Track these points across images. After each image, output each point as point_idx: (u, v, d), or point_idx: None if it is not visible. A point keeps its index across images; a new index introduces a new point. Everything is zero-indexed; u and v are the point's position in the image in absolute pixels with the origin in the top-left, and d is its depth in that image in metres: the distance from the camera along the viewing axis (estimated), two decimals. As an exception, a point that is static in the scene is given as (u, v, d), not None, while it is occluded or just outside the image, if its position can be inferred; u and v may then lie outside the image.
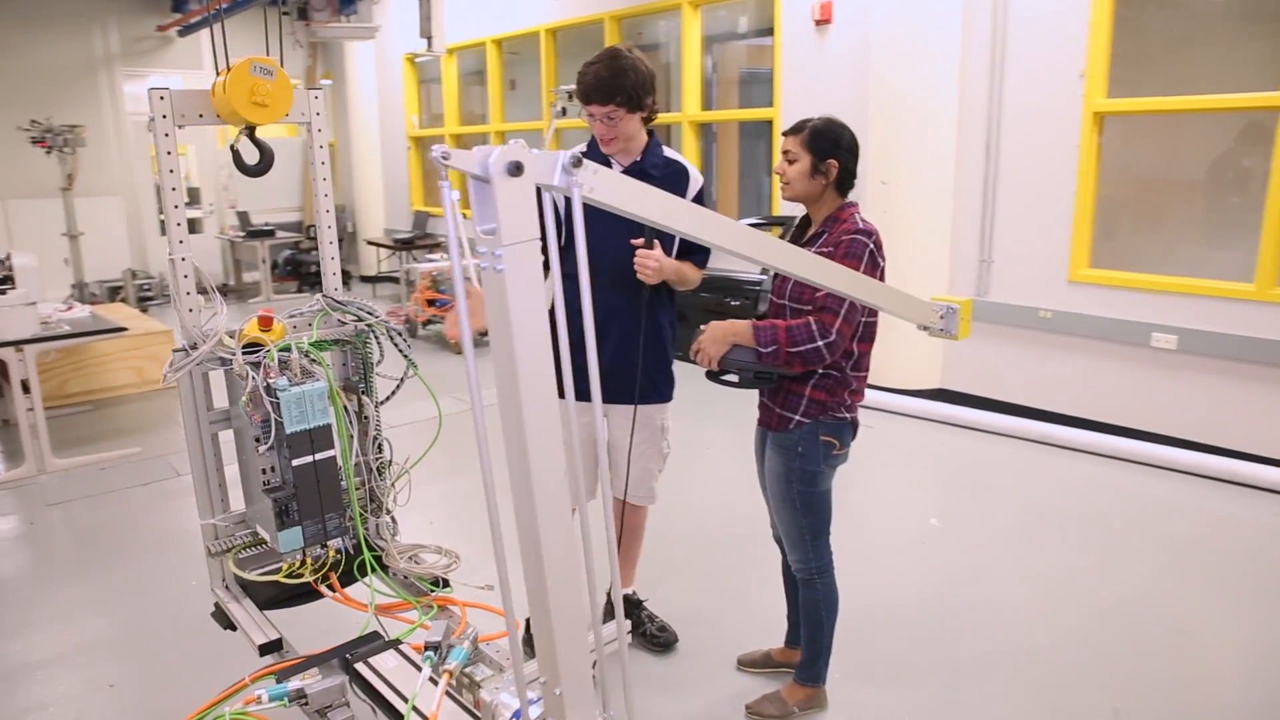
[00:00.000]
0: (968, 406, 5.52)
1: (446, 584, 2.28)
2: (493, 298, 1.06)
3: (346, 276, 11.44)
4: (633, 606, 3.14)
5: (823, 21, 6.19)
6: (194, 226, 11.56)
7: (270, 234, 10.46)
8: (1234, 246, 4.75)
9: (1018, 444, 5.09)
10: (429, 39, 6.76)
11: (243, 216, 10.75)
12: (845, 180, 2.38)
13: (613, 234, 2.53)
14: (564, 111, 6.43)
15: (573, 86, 2.83)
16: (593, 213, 2.55)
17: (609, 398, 2.72)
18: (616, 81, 2.50)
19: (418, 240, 9.60)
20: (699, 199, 2.73)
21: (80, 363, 5.90)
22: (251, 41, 11.15)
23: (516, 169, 1.00)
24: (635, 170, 2.63)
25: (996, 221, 5.46)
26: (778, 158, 2.46)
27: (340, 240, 12.04)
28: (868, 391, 5.74)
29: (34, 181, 9.09)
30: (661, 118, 7.94)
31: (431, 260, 8.41)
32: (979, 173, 5.48)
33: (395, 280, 10.36)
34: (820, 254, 2.29)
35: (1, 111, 9.27)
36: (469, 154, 0.99)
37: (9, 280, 4.62)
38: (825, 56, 6.25)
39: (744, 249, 1.34)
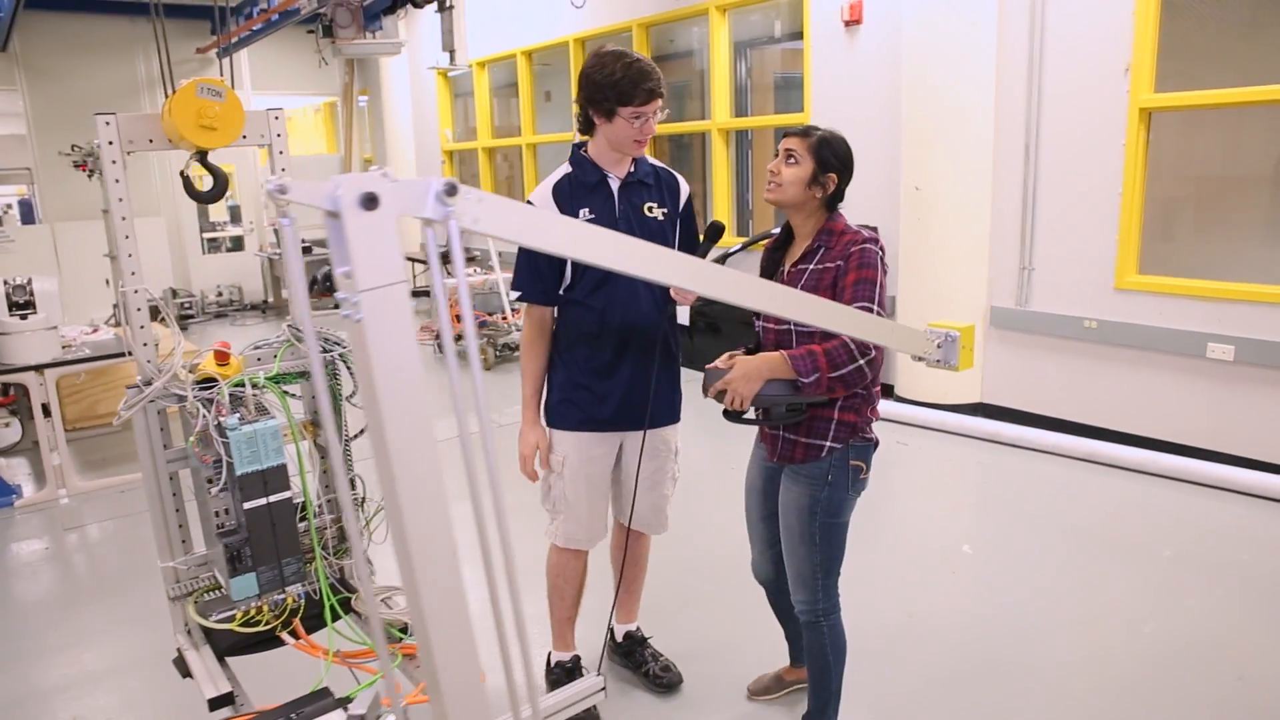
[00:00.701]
0: (1008, 422, 5.24)
1: (417, 630, 2.13)
2: (356, 349, 0.91)
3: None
4: (636, 644, 2.98)
5: (852, 22, 5.97)
6: (235, 244, 11.74)
7: (308, 250, 10.53)
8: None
9: (1061, 462, 4.80)
10: (451, 53, 6.70)
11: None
12: (836, 199, 2.24)
13: None
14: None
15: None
16: (605, 223, 2.45)
17: (628, 424, 2.57)
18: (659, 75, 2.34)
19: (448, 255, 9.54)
20: (689, 206, 2.61)
21: (109, 384, 5.94)
22: (288, 60, 11.36)
23: (370, 201, 0.85)
24: (634, 181, 2.48)
25: (1037, 227, 5.17)
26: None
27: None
28: (901, 406, 5.50)
29: (78, 205, 9.29)
30: (690, 125, 7.82)
31: (466, 275, 8.33)
32: (1018, 175, 5.20)
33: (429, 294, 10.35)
34: (824, 269, 2.16)
35: (48, 137, 9.51)
36: (314, 186, 0.85)
37: (31, 305, 4.64)
38: (856, 58, 6.03)
39: (683, 281, 1.18)
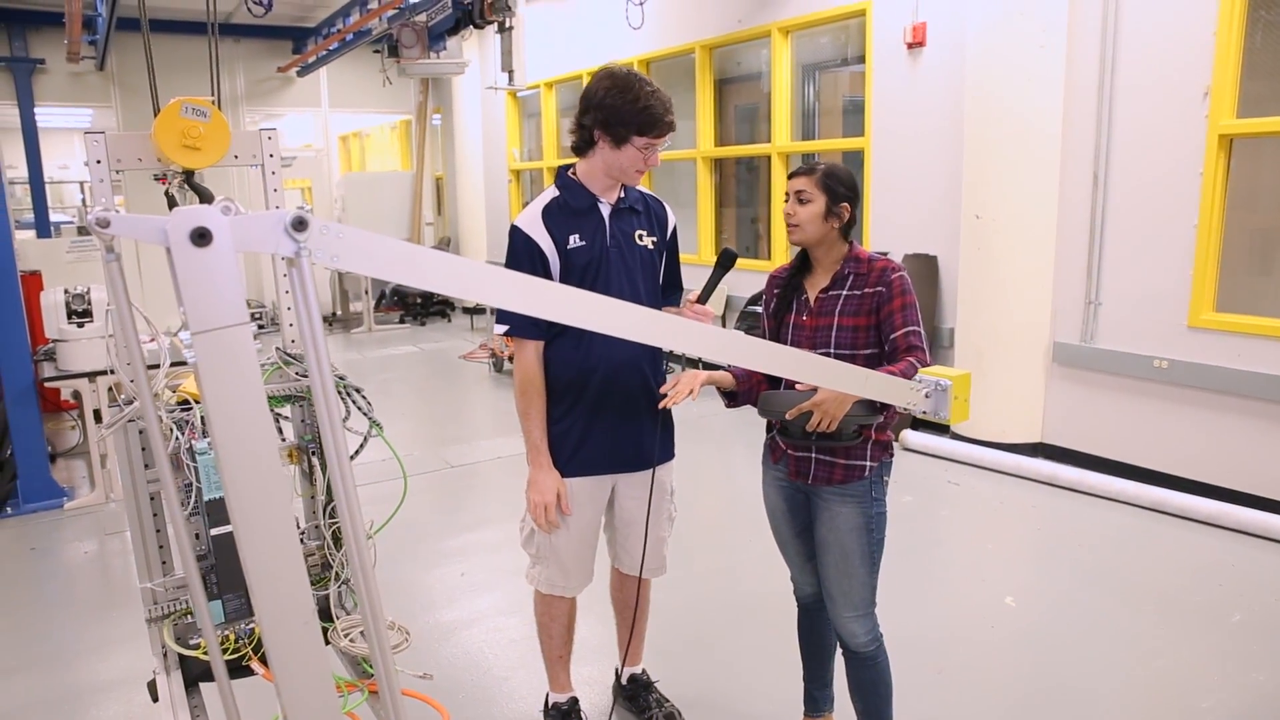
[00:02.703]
0: (1069, 464, 4.93)
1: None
2: (200, 391, 0.84)
3: (450, 308, 11.77)
4: (641, 689, 2.85)
5: (915, 44, 5.79)
6: (309, 257, 12.05)
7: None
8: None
9: (1124, 510, 4.48)
10: (510, 73, 6.74)
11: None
12: (850, 226, 2.24)
13: (618, 281, 2.30)
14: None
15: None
16: (595, 255, 2.36)
17: (620, 467, 2.47)
18: None
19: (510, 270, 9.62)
20: (674, 236, 2.51)
21: (167, 391, 6.11)
22: (364, 79, 11.66)
23: (200, 237, 0.78)
24: (624, 208, 2.38)
25: (1105, 259, 4.88)
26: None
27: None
28: (955, 444, 5.36)
29: (160, 215, 9.69)
30: (751, 149, 7.70)
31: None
32: (1085, 204, 4.92)
33: (487, 311, 10.45)
34: (863, 294, 2.20)
35: (136, 151, 9.95)
36: (141, 219, 0.78)
37: (88, 313, 4.79)
38: (918, 81, 5.84)
39: (580, 320, 1.07)
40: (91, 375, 4.69)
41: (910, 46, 5.80)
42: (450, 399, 7.66)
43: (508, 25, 6.64)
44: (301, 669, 0.89)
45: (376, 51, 7.88)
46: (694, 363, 7.27)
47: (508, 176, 11.19)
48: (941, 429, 5.63)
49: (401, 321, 11.12)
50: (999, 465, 5.10)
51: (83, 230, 10.04)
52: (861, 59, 6.34)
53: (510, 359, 8.19)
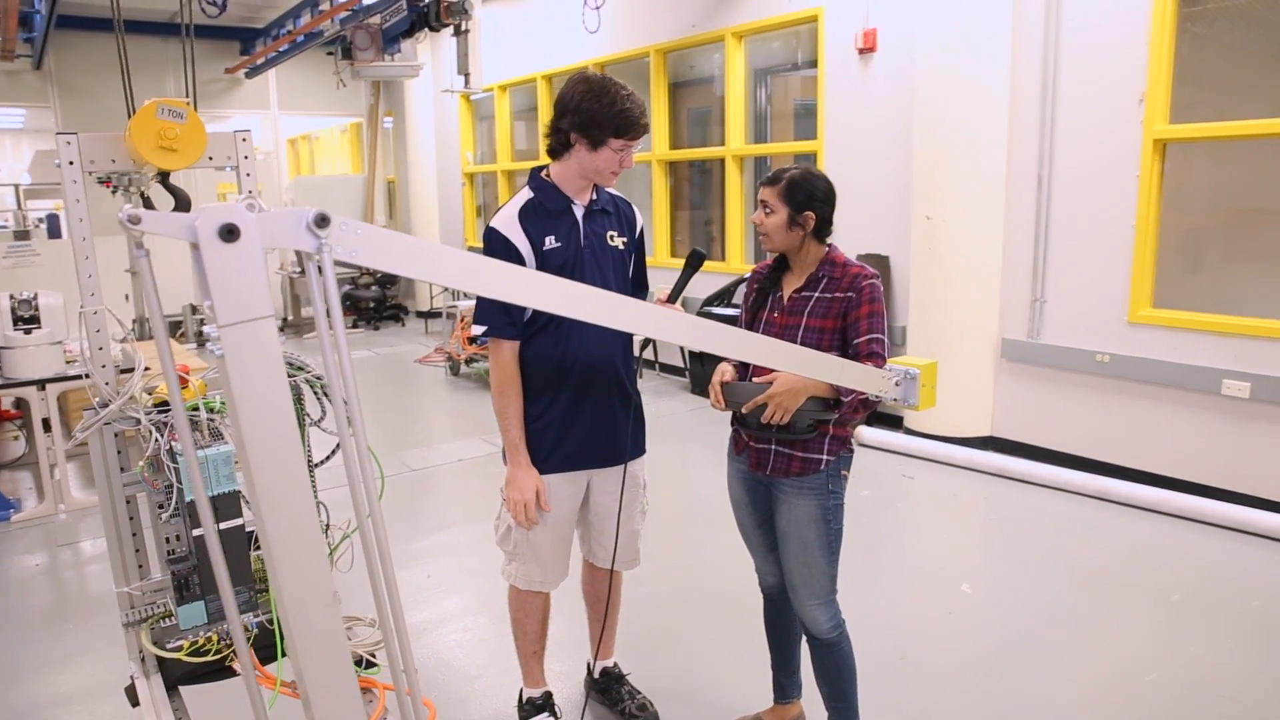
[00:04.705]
0: (1018, 456, 5.11)
1: (373, 663, 2.08)
2: (224, 385, 0.87)
3: (403, 311, 11.68)
4: (614, 681, 2.90)
5: (866, 50, 5.93)
6: (258, 262, 11.84)
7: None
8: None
9: (1071, 499, 4.66)
10: (466, 76, 6.74)
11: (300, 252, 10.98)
12: (823, 229, 2.31)
13: (592, 281, 2.35)
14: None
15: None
16: (569, 255, 2.41)
17: (595, 462, 2.51)
18: None
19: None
20: (641, 236, 2.58)
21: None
22: (314, 82, 11.52)
23: (230, 233, 0.81)
24: (597, 209, 2.44)
25: (1050, 258, 5.07)
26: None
27: (396, 276, 12.21)
28: (909, 439, 5.52)
29: (103, 220, 9.43)
30: (705, 151, 7.80)
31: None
32: (1031, 206, 5.11)
33: (442, 315, 10.41)
34: (833, 298, 2.27)
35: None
36: (171, 216, 0.81)
37: (35, 320, 4.68)
38: (869, 86, 5.98)
39: (580, 313, 1.12)
40: (41, 383, 4.58)
41: (861, 52, 5.95)
42: (407, 403, 7.62)
43: (464, 28, 6.64)
44: (322, 651, 0.93)
45: (330, 54, 7.80)
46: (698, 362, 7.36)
47: (462, 180, 11.15)
48: (895, 424, 5.78)
49: (355, 326, 11.01)
50: (951, 459, 5.26)
51: (20, 235, 9.75)
52: (813, 64, 6.47)
53: (466, 362, 8.21)
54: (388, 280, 10.90)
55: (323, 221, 0.86)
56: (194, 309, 10.23)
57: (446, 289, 10.00)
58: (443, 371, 8.36)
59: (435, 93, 11.11)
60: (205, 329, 0.87)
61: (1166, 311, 4.64)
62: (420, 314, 11.53)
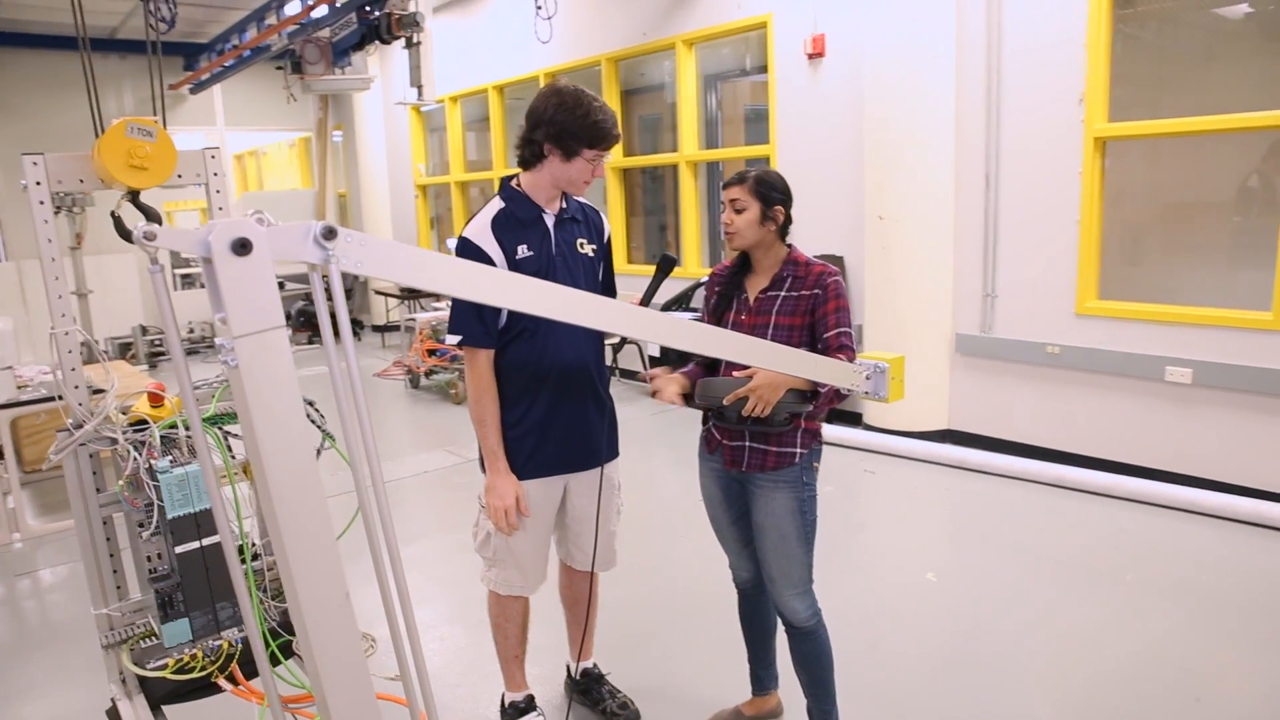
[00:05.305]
0: (975, 448, 5.25)
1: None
2: (236, 396, 0.90)
3: (359, 326, 11.57)
4: (594, 681, 2.93)
5: (815, 55, 6.06)
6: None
7: (280, 286, 10.47)
8: (1252, 274, 4.47)
9: (1028, 487, 4.81)
10: (419, 88, 6.74)
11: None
12: (786, 226, 2.38)
13: (567, 284, 2.39)
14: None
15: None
16: (542, 264, 2.45)
17: (572, 466, 2.55)
18: None
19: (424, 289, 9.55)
20: (609, 243, 2.63)
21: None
22: (262, 97, 11.38)
23: (242, 247, 0.84)
24: (567, 218, 2.48)
25: (1000, 254, 5.23)
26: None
27: (350, 290, 12.06)
28: (869, 435, 5.63)
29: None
30: (660, 158, 7.88)
31: (436, 309, 8.35)
32: (979, 204, 5.26)
33: (400, 329, 10.33)
34: (799, 295, 2.33)
35: (15, 174, 9.45)
36: (185, 232, 0.84)
37: (-15, 345, 4.57)
38: (819, 91, 6.11)
39: (572, 317, 1.17)
40: (-6, 408, 4.48)
41: (811, 57, 6.07)
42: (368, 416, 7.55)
43: (415, 40, 6.63)
44: (338, 649, 0.96)
45: (279, 68, 7.72)
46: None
47: (414, 192, 11.10)
48: (855, 421, 5.90)
49: (310, 342, 10.87)
50: (911, 452, 5.38)
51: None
52: (763, 69, 6.59)
53: (426, 375, 8.17)
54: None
55: (330, 234, 0.89)
56: (144, 330, 10.04)
57: (403, 302, 9.94)
58: (402, 385, 8.31)
59: (385, 105, 11.05)
60: (218, 341, 0.90)
61: (1112, 303, 4.82)
62: (376, 328, 11.43)
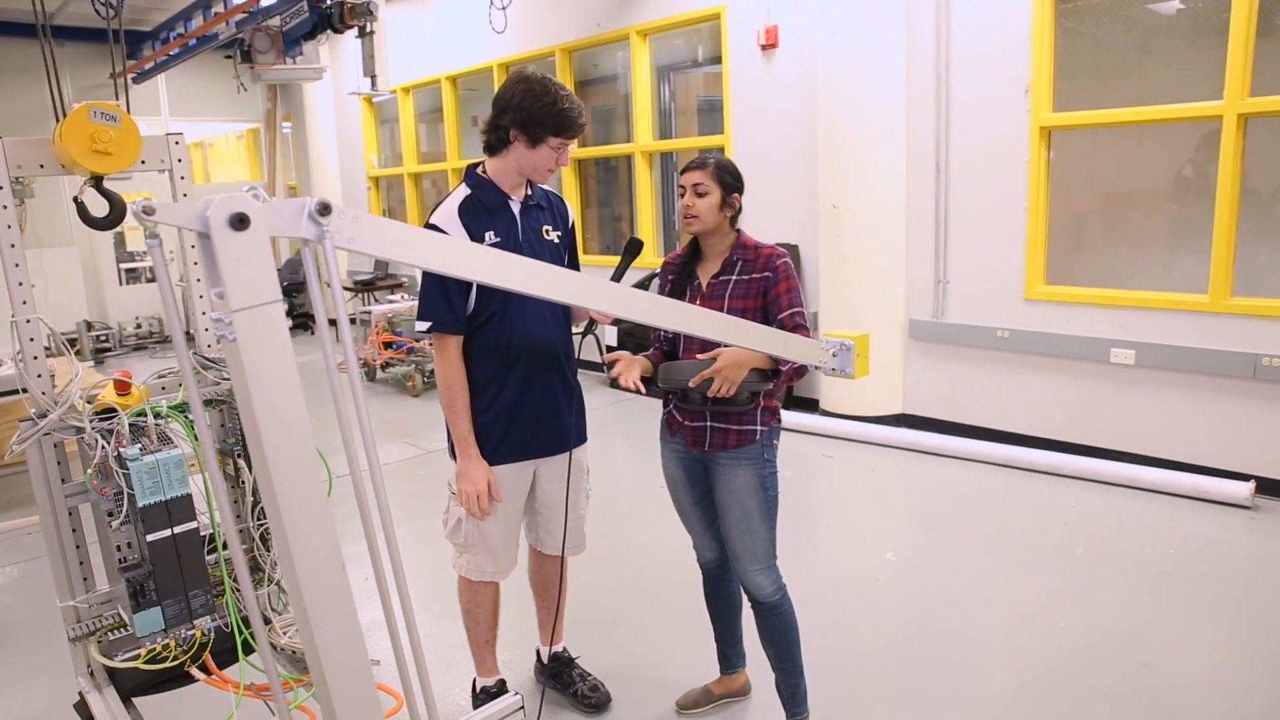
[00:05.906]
0: (929, 432, 5.38)
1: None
2: (233, 370, 0.91)
3: (310, 321, 11.37)
4: (564, 665, 2.96)
5: (769, 46, 6.13)
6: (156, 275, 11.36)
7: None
8: (1189, 258, 4.66)
9: (981, 468, 4.95)
10: (373, 78, 6.66)
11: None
12: (738, 214, 2.46)
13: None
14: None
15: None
16: (511, 247, 2.46)
17: (540, 451, 2.57)
18: None
19: (379, 281, 9.45)
20: (573, 229, 2.66)
21: (16, 421, 5.69)
22: (208, 86, 11.13)
23: (240, 222, 0.86)
24: (532, 205, 2.50)
25: (950, 241, 5.36)
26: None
27: (301, 284, 11.85)
28: (826, 420, 5.69)
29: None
30: (615, 149, 7.90)
31: (390, 301, 8.27)
32: (930, 193, 5.39)
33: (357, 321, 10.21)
34: (751, 279, 2.39)
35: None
36: (183, 207, 0.85)
37: (-74, 341, 4.42)
38: (773, 81, 6.18)
39: (561, 295, 1.20)
40: (-63, 406, 4.35)
41: (764, 48, 6.14)
42: (326, 410, 7.46)
43: (369, 30, 6.55)
44: (334, 617, 0.98)
45: (227, 57, 7.57)
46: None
47: (367, 183, 10.96)
48: (813, 407, 6.00)
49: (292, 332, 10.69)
50: (867, 437, 5.50)
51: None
52: (716, 60, 6.64)
53: (383, 367, 8.10)
54: (294, 288, 10.64)
55: (324, 210, 0.91)
56: (89, 325, 9.78)
57: (357, 294, 9.82)
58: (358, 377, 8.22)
59: (336, 95, 10.88)
60: (214, 315, 0.91)
61: (1059, 288, 4.97)
62: (332, 321, 11.27)
